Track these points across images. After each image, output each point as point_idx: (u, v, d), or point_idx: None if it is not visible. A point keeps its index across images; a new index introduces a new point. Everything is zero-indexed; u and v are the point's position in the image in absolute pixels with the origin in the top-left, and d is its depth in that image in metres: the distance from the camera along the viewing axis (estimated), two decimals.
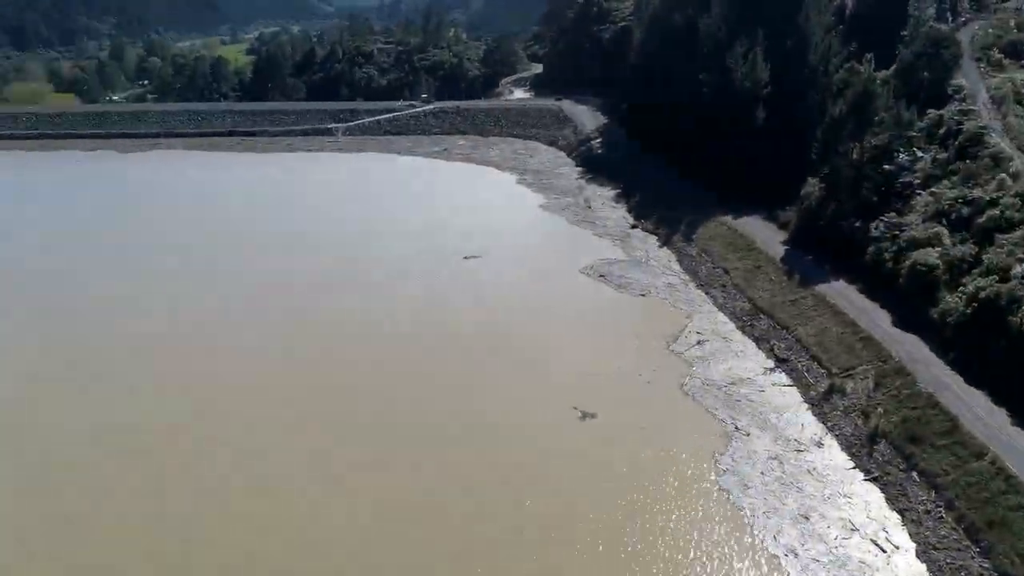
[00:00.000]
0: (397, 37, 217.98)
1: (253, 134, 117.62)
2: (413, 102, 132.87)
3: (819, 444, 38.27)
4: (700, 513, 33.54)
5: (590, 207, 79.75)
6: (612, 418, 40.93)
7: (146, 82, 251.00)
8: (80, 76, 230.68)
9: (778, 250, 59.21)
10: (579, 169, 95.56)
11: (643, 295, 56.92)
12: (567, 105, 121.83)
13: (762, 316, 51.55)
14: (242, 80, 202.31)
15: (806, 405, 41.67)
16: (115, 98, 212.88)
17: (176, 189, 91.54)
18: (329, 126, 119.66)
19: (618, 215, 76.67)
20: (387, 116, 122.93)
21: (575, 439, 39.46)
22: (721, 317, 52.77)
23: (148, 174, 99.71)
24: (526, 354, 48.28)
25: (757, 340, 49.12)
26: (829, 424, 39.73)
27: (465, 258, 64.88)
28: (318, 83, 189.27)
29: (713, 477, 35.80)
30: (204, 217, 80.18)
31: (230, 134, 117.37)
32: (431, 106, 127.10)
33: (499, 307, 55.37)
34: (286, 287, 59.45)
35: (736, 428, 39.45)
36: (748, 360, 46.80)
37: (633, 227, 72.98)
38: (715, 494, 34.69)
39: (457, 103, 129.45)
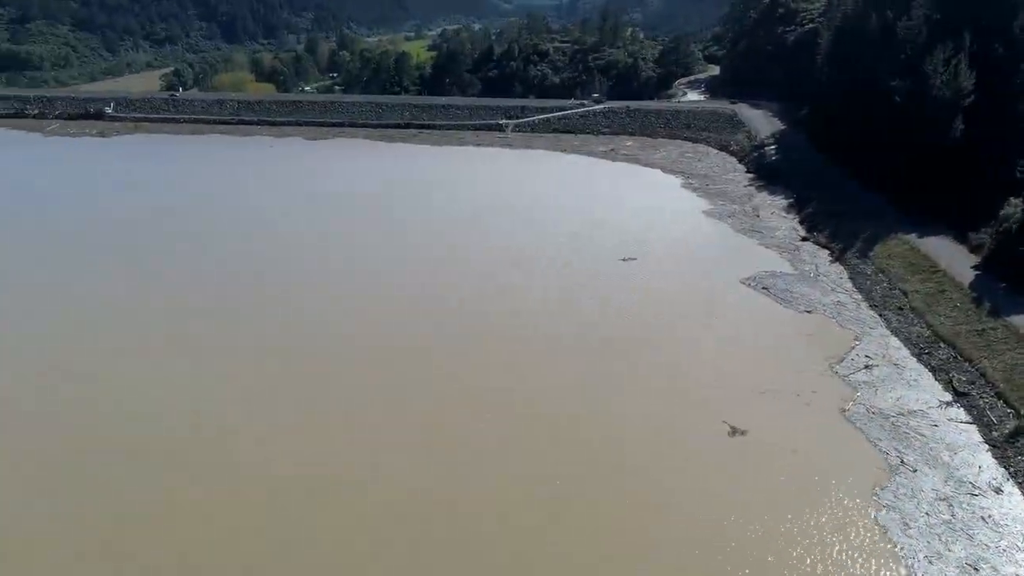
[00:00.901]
0: (573, 36, 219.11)
1: (428, 127, 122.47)
2: (584, 101, 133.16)
3: (998, 490, 34.64)
4: (854, 550, 31.32)
5: (758, 216, 76.57)
6: (764, 437, 39.04)
7: (335, 74, 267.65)
8: (278, 67, 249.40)
9: (967, 275, 54.07)
10: (749, 175, 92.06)
11: (808, 312, 53.88)
12: (742, 109, 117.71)
13: (942, 345, 47.34)
14: (423, 74, 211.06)
15: (986, 446, 37.84)
16: (307, 88, 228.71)
17: (351, 174, 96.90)
18: (500, 122, 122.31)
19: (788, 226, 73.08)
20: (557, 114, 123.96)
21: (722, 455, 37.96)
22: (894, 342, 48.98)
23: (327, 160, 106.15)
24: (677, 362, 47.11)
25: (934, 370, 45.19)
26: (1012, 470, 35.86)
27: (623, 259, 64.22)
28: (493, 79, 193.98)
29: (872, 513, 33.31)
30: (361, 203, 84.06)
31: (407, 126, 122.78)
32: (602, 105, 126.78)
33: (652, 311, 54.37)
34: (455, 271, 61.67)
35: (902, 462, 36.48)
36: (922, 391, 43.15)
37: (804, 239, 69.27)
38: (873, 531, 32.29)
39: (627, 103, 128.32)
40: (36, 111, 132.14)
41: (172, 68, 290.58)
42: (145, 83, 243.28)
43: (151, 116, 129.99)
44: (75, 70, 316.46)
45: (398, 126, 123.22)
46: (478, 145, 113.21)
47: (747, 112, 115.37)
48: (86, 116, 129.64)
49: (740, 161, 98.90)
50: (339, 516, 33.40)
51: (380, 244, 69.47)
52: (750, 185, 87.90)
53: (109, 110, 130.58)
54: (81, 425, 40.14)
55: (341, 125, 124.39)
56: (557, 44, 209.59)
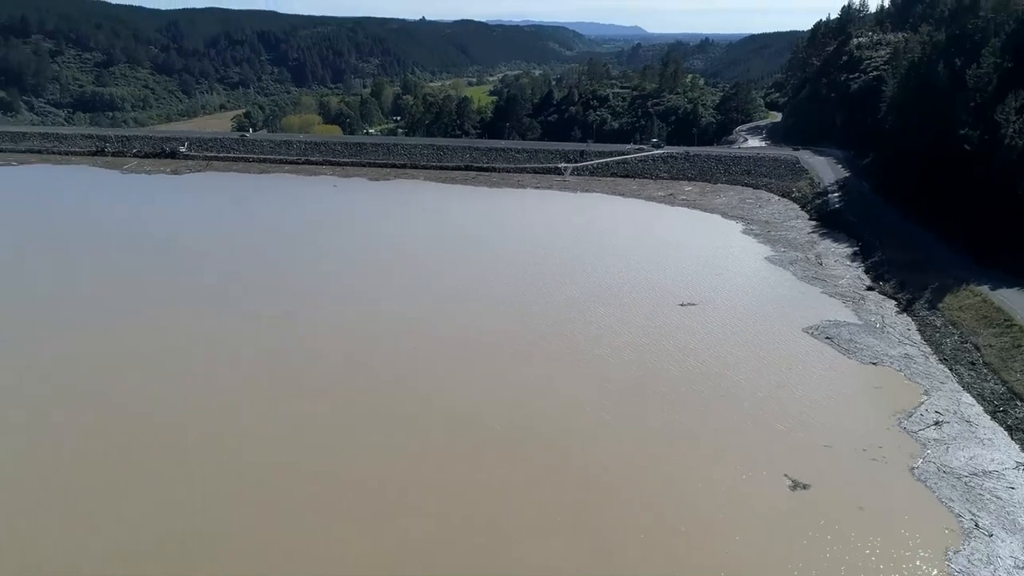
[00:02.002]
0: (633, 82, 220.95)
1: (487, 169, 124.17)
2: (642, 146, 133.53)
3: None
4: None
5: (821, 263, 74.99)
6: (828, 493, 37.58)
7: (399, 118, 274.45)
8: (344, 110, 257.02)
9: None
10: (812, 223, 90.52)
11: (874, 363, 52.14)
12: (805, 156, 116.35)
13: (1019, 403, 45.21)
14: (483, 118, 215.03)
15: None
16: (371, 131, 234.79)
17: (410, 213, 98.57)
18: (559, 165, 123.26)
19: (852, 274, 71.34)
20: (616, 158, 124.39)
21: (783, 510, 36.65)
22: (966, 398, 46.95)
23: (388, 200, 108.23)
24: (736, 411, 45.94)
25: (1010, 429, 43.08)
26: None
27: (681, 304, 63.46)
28: (552, 123, 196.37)
29: None
30: (423, 244, 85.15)
31: (467, 168, 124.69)
32: (661, 150, 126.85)
33: (711, 359, 53.31)
34: (512, 316, 61.61)
35: (976, 526, 34.65)
36: (997, 450, 41.11)
37: (869, 289, 67.46)
38: None
39: (687, 148, 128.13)
40: (115, 149, 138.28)
41: (244, 110, 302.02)
42: (218, 124, 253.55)
43: (221, 155, 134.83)
44: (153, 111, 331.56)
45: (458, 168, 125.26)
46: (537, 188, 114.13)
47: (810, 159, 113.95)
48: (161, 155, 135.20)
49: (803, 208, 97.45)
50: None
51: (442, 286, 69.97)
52: (813, 232, 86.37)
53: (183, 149, 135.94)
54: None
55: (403, 167, 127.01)
56: (617, 89, 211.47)
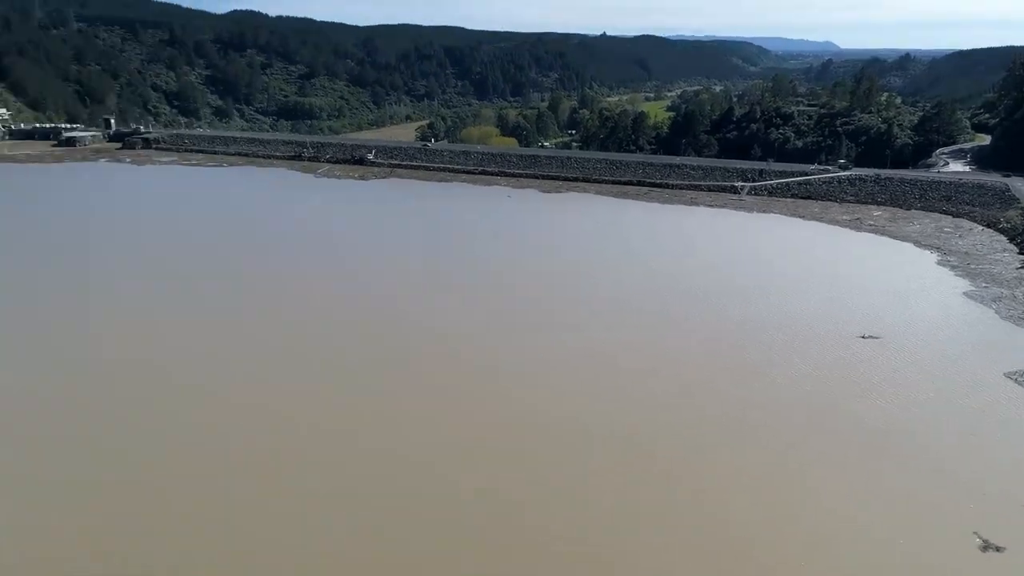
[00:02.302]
0: (821, 100, 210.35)
1: (660, 185, 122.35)
2: (828, 167, 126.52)
3: None
4: None
5: None
6: None
7: (573, 131, 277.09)
8: (521, 123, 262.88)
9: None
10: (1022, 257, 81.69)
11: None
12: (1016, 183, 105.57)
13: None
14: (659, 134, 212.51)
15: None
16: (546, 144, 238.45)
17: (578, 224, 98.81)
18: (735, 184, 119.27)
19: None
20: (798, 179, 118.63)
21: (972, 572, 33.04)
22: None
23: (559, 213, 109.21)
24: (921, 460, 42.00)
25: None
26: None
27: (862, 337, 59.12)
28: (731, 141, 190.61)
29: None
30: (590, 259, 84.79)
31: (639, 184, 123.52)
32: (848, 172, 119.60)
33: (892, 397, 49.16)
34: (686, 340, 60.19)
35: None
36: None
37: None
38: None
39: (878, 171, 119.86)
40: (311, 154, 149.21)
41: (427, 121, 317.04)
42: (403, 134, 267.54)
43: (405, 163, 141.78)
44: (346, 120, 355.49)
45: (631, 183, 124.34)
46: (710, 206, 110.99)
47: (1022, 186, 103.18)
48: (350, 161, 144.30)
49: (1011, 240, 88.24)
50: None
51: (602, 298, 69.53)
52: (1023, 268, 77.89)
53: (371, 156, 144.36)
54: None
55: (575, 180, 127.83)
56: (803, 107, 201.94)
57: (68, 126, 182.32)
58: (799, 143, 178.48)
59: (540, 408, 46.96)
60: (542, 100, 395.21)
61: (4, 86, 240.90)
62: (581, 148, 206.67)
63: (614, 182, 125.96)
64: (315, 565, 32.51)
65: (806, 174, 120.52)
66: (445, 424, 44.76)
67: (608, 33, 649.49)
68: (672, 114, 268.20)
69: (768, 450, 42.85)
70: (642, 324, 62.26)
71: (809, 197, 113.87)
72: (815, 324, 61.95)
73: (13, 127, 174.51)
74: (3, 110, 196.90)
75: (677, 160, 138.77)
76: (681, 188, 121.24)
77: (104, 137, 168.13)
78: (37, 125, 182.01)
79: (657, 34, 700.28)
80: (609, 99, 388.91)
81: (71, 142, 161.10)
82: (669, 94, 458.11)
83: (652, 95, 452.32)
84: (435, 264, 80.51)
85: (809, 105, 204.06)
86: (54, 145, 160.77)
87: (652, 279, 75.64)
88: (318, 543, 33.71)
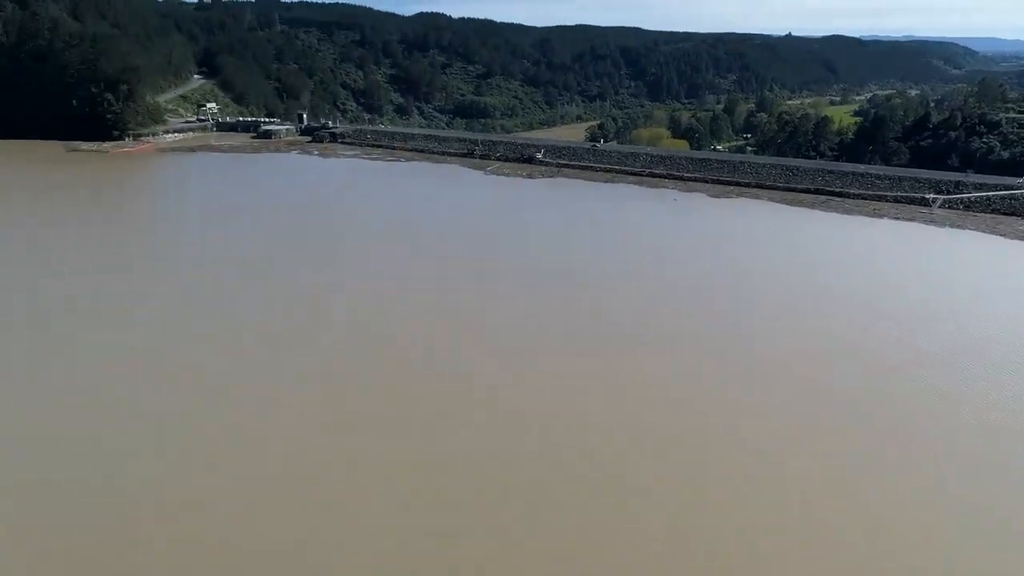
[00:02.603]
0: None
1: (840, 195, 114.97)
2: None
3: None
4: None
5: None
6: None
7: (749, 135, 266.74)
8: (695, 125, 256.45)
9: None
10: None
11: None
12: None
13: None
14: (843, 140, 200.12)
15: None
16: (718, 147, 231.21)
17: (745, 233, 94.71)
18: (926, 196, 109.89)
19: None
20: (1001, 193, 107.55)
21: None
22: None
23: (728, 220, 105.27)
24: None
25: None
26: None
27: None
28: (925, 149, 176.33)
29: None
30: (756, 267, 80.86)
31: (816, 192, 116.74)
32: None
33: None
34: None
35: None
36: None
37: None
38: None
39: None
40: (482, 152, 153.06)
41: (598, 121, 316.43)
42: (572, 134, 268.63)
43: (572, 163, 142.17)
44: (518, 119, 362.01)
45: (807, 191, 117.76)
46: (896, 219, 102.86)
47: None
48: (519, 159, 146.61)
49: None
50: None
51: (760, 314, 66.26)
52: None
53: (539, 155, 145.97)
54: None
55: (748, 185, 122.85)
56: (1013, 114, 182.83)
57: (266, 120, 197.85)
58: (1005, 154, 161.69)
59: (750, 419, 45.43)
60: (717, 102, 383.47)
61: (215, 82, 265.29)
62: (756, 153, 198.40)
63: (788, 189, 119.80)
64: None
65: (1012, 188, 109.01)
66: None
67: (793, 33, 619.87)
68: (858, 119, 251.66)
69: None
70: (821, 349, 58.70)
71: (1013, 214, 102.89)
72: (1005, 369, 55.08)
73: (220, 120, 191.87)
74: (213, 104, 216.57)
75: (861, 168, 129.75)
76: (864, 198, 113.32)
77: (297, 131, 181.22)
78: (240, 119, 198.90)
79: (848, 34, 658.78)
80: (790, 102, 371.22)
81: (268, 135, 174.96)
82: (857, 98, 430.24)
83: (838, 99, 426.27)
84: (603, 265, 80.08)
85: (1020, 112, 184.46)
86: (253, 137, 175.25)
87: (826, 296, 70.99)
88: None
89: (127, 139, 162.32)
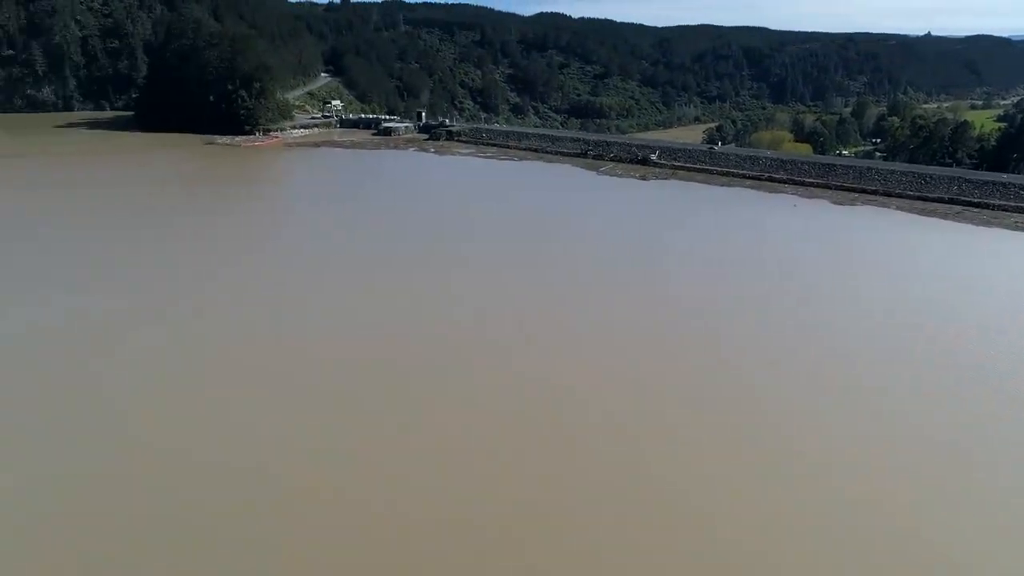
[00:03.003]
0: None
1: (978, 205, 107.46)
2: None
3: None
4: None
5: None
6: None
7: (878, 140, 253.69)
8: (819, 129, 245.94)
9: None
10: None
11: None
12: None
13: None
14: (983, 147, 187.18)
15: None
16: (844, 152, 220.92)
17: (868, 243, 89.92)
18: None
19: None
20: None
21: None
22: None
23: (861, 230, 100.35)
24: None
25: None
26: None
27: None
28: None
29: None
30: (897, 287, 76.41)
31: (951, 201, 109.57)
32: None
33: None
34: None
35: None
36: None
37: None
38: None
39: None
40: (596, 152, 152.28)
41: (716, 123, 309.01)
42: (689, 135, 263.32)
43: (687, 165, 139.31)
44: (634, 120, 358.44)
45: (940, 200, 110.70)
46: None
47: None
48: (633, 160, 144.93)
49: None
50: None
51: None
52: None
53: (654, 157, 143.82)
54: None
55: (874, 193, 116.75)
56: None
57: (386, 117, 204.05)
58: None
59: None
60: (845, 105, 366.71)
61: (341, 80, 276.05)
62: (885, 159, 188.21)
63: (919, 197, 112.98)
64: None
65: None
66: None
67: (933, 33, 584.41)
68: (1003, 125, 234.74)
69: None
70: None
71: None
72: None
73: (343, 117, 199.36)
74: (338, 102, 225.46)
75: (1004, 177, 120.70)
76: (1005, 210, 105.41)
77: (415, 128, 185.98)
78: (362, 116, 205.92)
79: (996, 34, 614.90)
80: (925, 106, 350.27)
81: (387, 132, 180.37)
82: (1003, 102, 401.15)
83: (980, 103, 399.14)
84: (724, 272, 78.12)
85: None
86: (373, 134, 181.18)
87: (960, 324, 66.40)
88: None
89: (257, 134, 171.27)
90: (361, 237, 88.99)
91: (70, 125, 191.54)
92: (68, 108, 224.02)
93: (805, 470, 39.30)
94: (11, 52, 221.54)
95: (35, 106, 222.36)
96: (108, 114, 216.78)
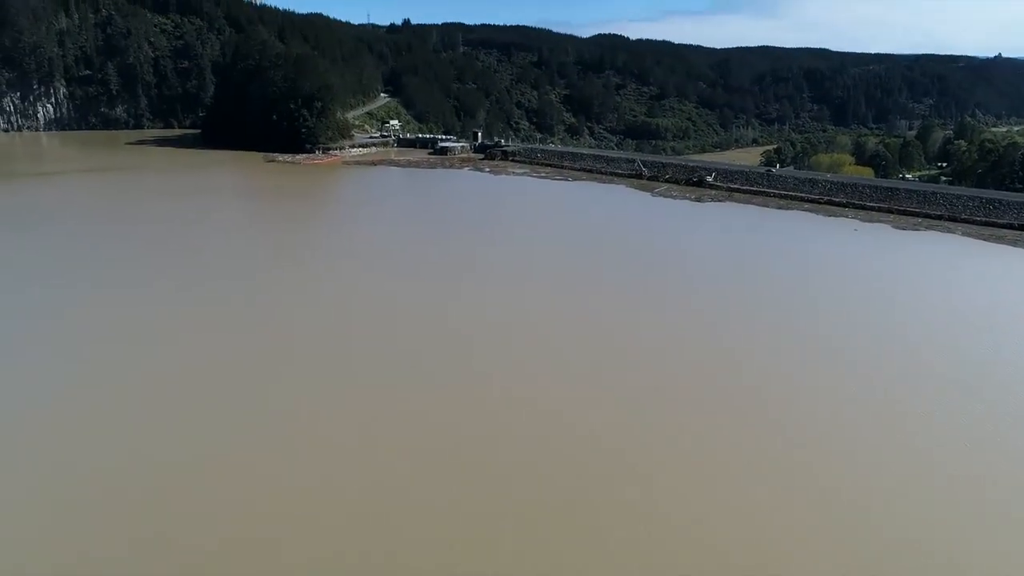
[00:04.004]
0: None
1: None
2: None
3: None
4: None
5: None
6: None
7: (944, 164, 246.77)
8: (881, 152, 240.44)
9: None
10: None
11: None
12: None
13: None
14: None
15: None
16: (907, 176, 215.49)
17: (933, 270, 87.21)
18: None
19: None
20: None
21: None
22: None
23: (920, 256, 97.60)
24: None
25: None
26: None
27: None
28: None
29: None
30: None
31: (1021, 228, 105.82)
32: None
33: None
34: None
35: None
36: None
37: None
38: None
39: None
40: (651, 173, 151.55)
41: (775, 145, 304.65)
42: (746, 157, 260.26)
43: (744, 187, 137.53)
44: (690, 141, 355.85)
45: (1010, 227, 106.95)
46: None
47: None
48: (688, 182, 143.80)
49: None
50: None
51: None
52: None
53: (710, 179, 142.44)
54: None
55: (939, 218, 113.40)
56: None
57: (443, 137, 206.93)
58: None
59: None
60: (909, 128, 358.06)
61: (399, 100, 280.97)
62: (951, 183, 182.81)
63: (987, 223, 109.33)
64: None
65: None
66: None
67: (1004, 55, 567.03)
68: None
69: None
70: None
71: None
72: None
73: (400, 136, 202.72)
74: (395, 121, 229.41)
75: None
76: None
77: (471, 148, 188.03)
78: (419, 135, 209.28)
79: None
80: (995, 129, 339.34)
81: (443, 151, 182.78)
82: None
83: None
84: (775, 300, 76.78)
85: None
86: (430, 153, 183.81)
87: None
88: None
89: (317, 152, 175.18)
90: (408, 251, 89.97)
91: (140, 142, 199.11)
92: (139, 126, 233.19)
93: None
94: (88, 72, 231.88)
95: (108, 123, 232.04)
96: (176, 132, 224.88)
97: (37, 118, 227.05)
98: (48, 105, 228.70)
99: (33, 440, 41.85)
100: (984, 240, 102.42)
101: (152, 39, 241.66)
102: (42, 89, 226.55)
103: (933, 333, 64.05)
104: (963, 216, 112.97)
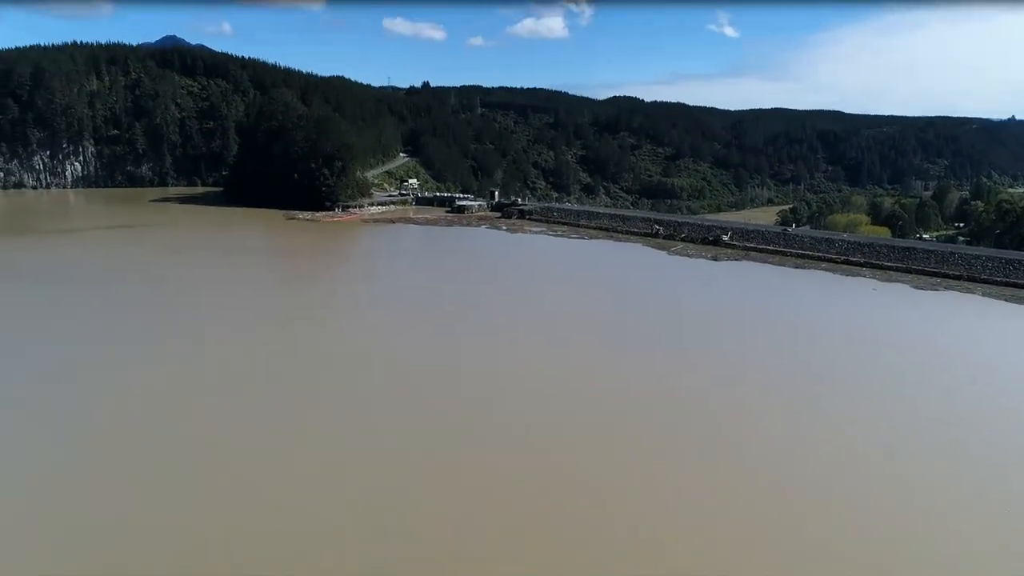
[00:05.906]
0: None
1: None
2: None
3: None
4: None
5: None
6: None
7: (961, 224, 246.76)
8: (898, 212, 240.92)
9: None
10: None
11: None
12: None
13: None
14: None
15: None
16: (925, 236, 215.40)
17: (953, 330, 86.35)
18: None
19: None
20: None
21: None
22: None
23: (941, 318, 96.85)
24: None
25: None
26: None
27: None
28: None
29: None
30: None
31: None
32: None
33: None
34: None
35: None
36: None
37: None
38: None
39: None
40: (666, 232, 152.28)
41: (790, 205, 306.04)
42: (762, 216, 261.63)
43: (760, 246, 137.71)
44: (706, 201, 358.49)
45: None
46: None
47: None
48: (704, 241, 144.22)
49: None
50: None
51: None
52: None
53: (725, 238, 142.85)
54: None
55: (958, 278, 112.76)
56: None
57: (460, 195, 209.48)
58: None
59: None
60: (925, 188, 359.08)
61: (418, 160, 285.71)
62: (968, 243, 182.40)
63: (1007, 283, 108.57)
64: None
65: None
66: None
67: (1017, 116, 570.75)
68: None
69: None
70: None
71: None
72: None
73: (419, 195, 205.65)
74: (414, 180, 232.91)
75: None
76: None
77: (488, 207, 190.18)
78: (437, 194, 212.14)
79: None
80: (1011, 190, 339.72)
81: (461, 210, 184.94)
82: None
83: None
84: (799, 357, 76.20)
85: None
86: (448, 211, 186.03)
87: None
88: None
89: (337, 209, 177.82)
90: (426, 307, 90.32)
91: (164, 200, 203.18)
92: (163, 183, 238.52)
93: None
94: (116, 132, 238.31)
95: (133, 181, 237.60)
96: (199, 189, 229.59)
97: (65, 176, 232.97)
98: (76, 163, 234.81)
99: (33, 509, 41.76)
100: (1006, 301, 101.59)
101: (179, 100, 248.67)
102: (71, 148, 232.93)
103: (960, 398, 63.11)
104: (983, 276, 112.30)
